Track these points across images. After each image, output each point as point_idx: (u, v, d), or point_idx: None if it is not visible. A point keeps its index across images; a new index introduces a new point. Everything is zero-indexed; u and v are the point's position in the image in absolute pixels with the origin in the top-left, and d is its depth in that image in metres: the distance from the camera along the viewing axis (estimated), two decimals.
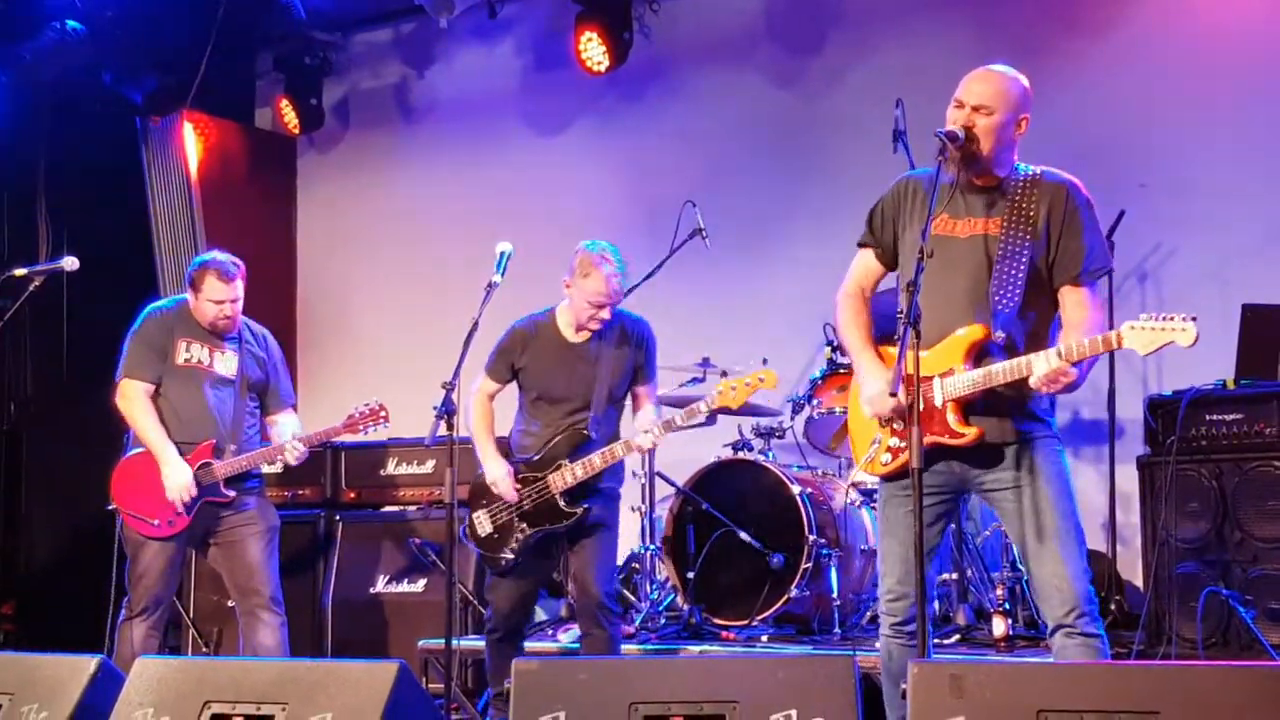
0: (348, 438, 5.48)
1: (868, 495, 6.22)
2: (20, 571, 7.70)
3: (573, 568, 5.09)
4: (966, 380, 3.66)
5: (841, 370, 6.20)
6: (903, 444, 3.73)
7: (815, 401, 6.22)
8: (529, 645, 5.91)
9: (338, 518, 6.71)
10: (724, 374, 5.99)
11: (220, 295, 5.20)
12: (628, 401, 5.17)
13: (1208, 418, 5.24)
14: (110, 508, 5.30)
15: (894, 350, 3.77)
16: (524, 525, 4.98)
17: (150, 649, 5.16)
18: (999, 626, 5.36)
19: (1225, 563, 5.15)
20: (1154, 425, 5.40)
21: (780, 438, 6.40)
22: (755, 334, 7.15)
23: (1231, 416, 5.19)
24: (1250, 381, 5.24)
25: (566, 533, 5.02)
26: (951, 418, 3.68)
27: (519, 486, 4.98)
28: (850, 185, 7.12)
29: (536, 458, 5.02)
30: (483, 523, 5.09)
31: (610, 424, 5.07)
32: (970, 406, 3.69)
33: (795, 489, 5.79)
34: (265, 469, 6.82)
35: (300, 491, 6.84)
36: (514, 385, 5.19)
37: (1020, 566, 5.76)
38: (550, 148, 8.17)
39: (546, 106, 8.21)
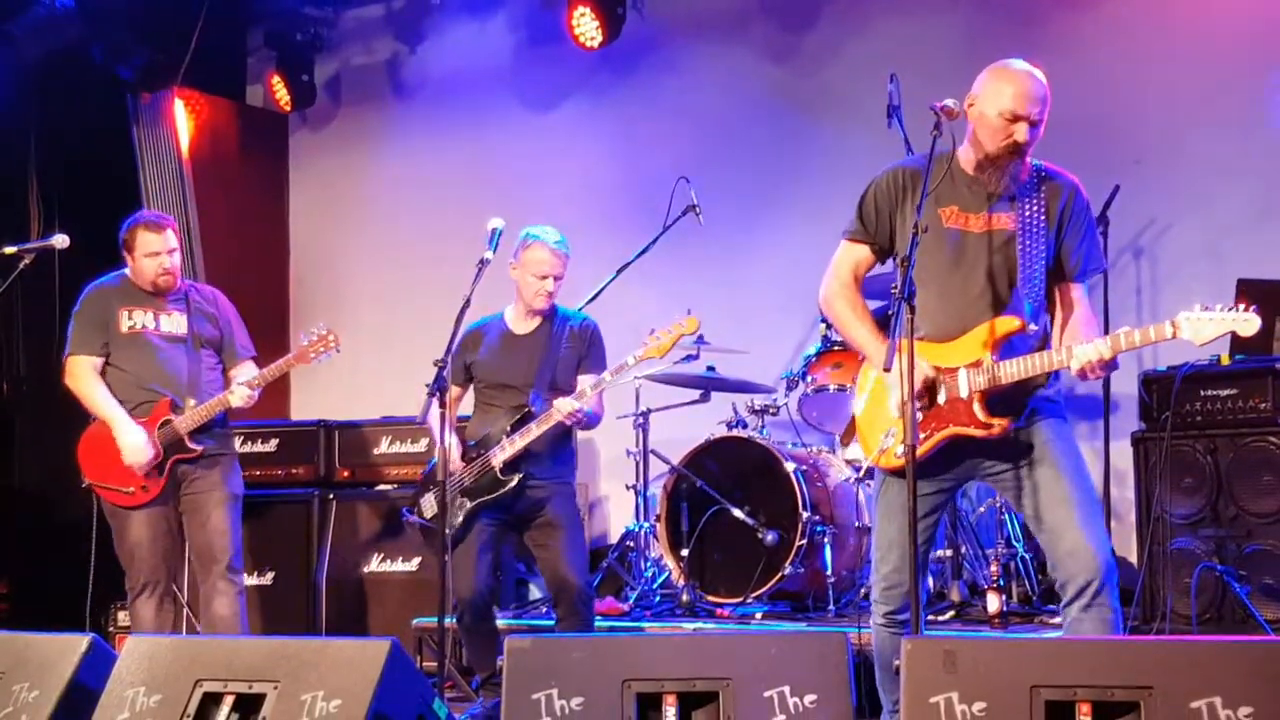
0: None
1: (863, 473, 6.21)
2: (13, 551, 7.68)
3: (546, 567, 5.15)
4: (1006, 370, 3.63)
5: (836, 347, 6.18)
6: (921, 435, 3.69)
7: (810, 378, 6.21)
8: (522, 623, 5.92)
9: (331, 496, 6.70)
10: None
11: (155, 246, 5.18)
12: None
13: (1202, 393, 5.24)
14: (84, 484, 5.26)
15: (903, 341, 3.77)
16: (464, 500, 5.08)
17: (165, 625, 5.16)
18: (993, 603, 5.35)
19: (1220, 538, 5.15)
20: (1148, 401, 5.39)
21: (774, 415, 6.38)
22: (749, 311, 7.14)
23: (1226, 392, 5.19)
24: (1245, 357, 5.23)
25: (520, 521, 5.13)
26: (978, 409, 3.66)
27: (464, 464, 5.10)
28: (845, 161, 7.09)
29: (481, 438, 5.13)
30: (430, 504, 5.22)
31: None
32: (992, 397, 3.68)
33: (789, 466, 5.78)
34: (258, 447, 6.84)
35: (294, 470, 6.82)
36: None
37: (1015, 544, 5.77)
38: (543, 124, 8.13)
39: (539, 83, 8.16)
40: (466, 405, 5.42)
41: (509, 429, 5.05)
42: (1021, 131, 3.64)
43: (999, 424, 3.65)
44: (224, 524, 5.19)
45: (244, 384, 5.18)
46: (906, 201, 3.81)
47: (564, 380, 5.16)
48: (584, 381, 5.16)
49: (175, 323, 5.28)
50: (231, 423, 5.52)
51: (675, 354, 5.48)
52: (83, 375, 5.20)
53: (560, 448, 5.17)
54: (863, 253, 3.91)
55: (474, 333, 5.26)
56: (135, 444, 5.07)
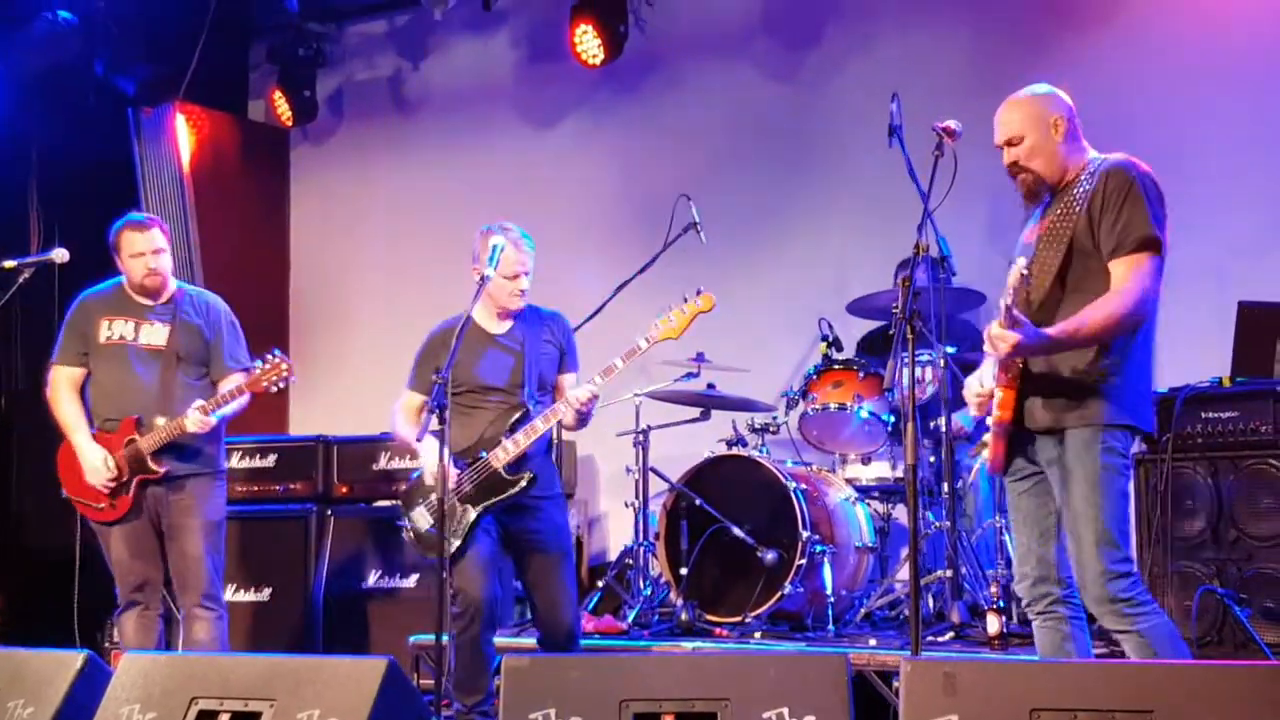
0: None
1: (863, 492, 6.20)
2: (11, 565, 7.65)
3: (538, 603, 5.03)
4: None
5: (836, 366, 6.18)
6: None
7: (810, 397, 6.19)
8: (515, 642, 5.81)
9: (329, 512, 6.67)
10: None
11: (139, 246, 5.10)
12: None
13: (1204, 415, 5.22)
14: (64, 496, 5.21)
15: None
16: (467, 507, 4.87)
17: (146, 641, 5.04)
18: (993, 624, 5.32)
19: (1221, 561, 5.12)
20: None
21: (775, 433, 6.37)
22: (750, 329, 7.13)
23: (1227, 414, 5.17)
24: (1246, 379, 5.22)
25: (512, 539, 4.96)
26: (998, 396, 3.80)
27: (459, 473, 4.87)
28: (846, 180, 7.13)
29: (474, 443, 4.91)
30: (422, 517, 4.98)
31: (545, 407, 4.97)
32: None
33: (789, 485, 5.76)
34: (257, 462, 6.81)
35: (292, 486, 6.79)
36: None
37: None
38: (544, 141, 8.14)
39: (541, 100, 8.18)
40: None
41: (508, 429, 4.88)
42: (1004, 156, 3.84)
43: (1000, 414, 3.77)
44: (198, 552, 5.04)
45: (198, 408, 4.97)
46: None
47: (549, 378, 5.03)
48: (567, 380, 5.06)
49: (156, 334, 5.16)
50: (228, 438, 5.37)
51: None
52: (56, 386, 5.17)
53: (545, 456, 5.08)
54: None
55: (442, 334, 5.02)
56: (93, 464, 5.00)
